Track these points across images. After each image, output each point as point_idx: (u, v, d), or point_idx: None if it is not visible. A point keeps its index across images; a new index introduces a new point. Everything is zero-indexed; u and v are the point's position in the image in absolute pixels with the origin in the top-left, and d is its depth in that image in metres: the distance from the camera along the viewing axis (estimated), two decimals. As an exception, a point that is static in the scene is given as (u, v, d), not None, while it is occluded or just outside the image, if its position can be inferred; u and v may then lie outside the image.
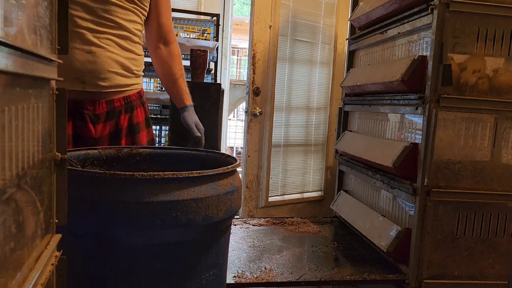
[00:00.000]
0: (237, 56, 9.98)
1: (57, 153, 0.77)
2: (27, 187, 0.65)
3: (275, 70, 2.96)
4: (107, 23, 1.37)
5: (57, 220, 0.79)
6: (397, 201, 1.90)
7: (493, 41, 1.62)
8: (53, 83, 0.77)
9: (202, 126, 1.54)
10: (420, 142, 1.68)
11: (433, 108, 1.61)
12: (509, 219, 1.68)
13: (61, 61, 0.79)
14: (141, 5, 1.46)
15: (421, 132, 1.67)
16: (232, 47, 5.29)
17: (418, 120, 1.75)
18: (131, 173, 0.90)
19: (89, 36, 1.34)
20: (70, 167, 0.88)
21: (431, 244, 1.65)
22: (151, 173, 0.91)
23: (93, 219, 0.90)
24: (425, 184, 1.63)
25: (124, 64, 1.43)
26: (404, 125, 1.89)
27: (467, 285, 1.68)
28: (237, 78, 9.57)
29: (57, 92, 0.77)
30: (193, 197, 0.93)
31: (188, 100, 1.57)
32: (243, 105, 6.72)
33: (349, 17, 2.62)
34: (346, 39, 2.66)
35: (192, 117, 1.55)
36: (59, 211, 0.78)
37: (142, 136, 1.55)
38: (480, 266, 1.68)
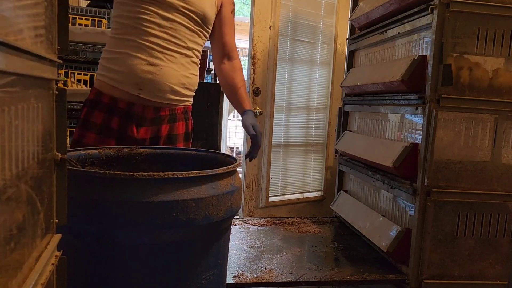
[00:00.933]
0: (237, 56, 9.98)
1: (57, 153, 0.77)
2: (27, 187, 0.65)
3: (275, 70, 2.96)
4: (175, 41, 1.49)
5: (57, 220, 0.79)
6: (397, 201, 1.90)
7: (493, 41, 1.62)
8: (53, 83, 0.77)
9: (259, 128, 1.64)
10: (420, 142, 1.68)
11: (433, 108, 1.61)
12: (509, 219, 1.68)
13: (61, 62, 0.78)
14: (206, 28, 1.58)
15: (421, 132, 1.67)
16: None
17: (418, 120, 1.75)
18: (131, 173, 0.90)
19: (156, 51, 1.46)
20: (70, 167, 0.88)
21: (431, 244, 1.65)
22: (151, 173, 0.91)
23: (93, 219, 0.89)
24: (425, 184, 1.63)
25: (181, 81, 1.53)
26: (404, 125, 1.89)
27: (467, 285, 1.68)
28: (237, 78, 9.55)
29: (57, 92, 0.77)
30: (193, 197, 0.93)
31: (248, 106, 1.69)
32: (243, 105, 6.70)
33: (349, 17, 2.62)
34: (346, 39, 2.66)
35: (249, 120, 1.64)
36: (59, 211, 0.78)
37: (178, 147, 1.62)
38: (480, 266, 1.68)
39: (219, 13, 1.63)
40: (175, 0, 1.46)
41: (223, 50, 1.68)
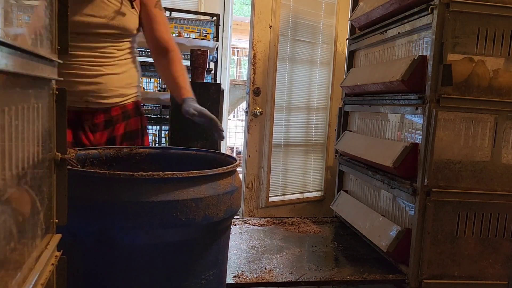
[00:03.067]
0: (237, 56, 9.98)
1: (57, 153, 0.77)
2: (27, 187, 0.65)
3: (276, 70, 2.96)
4: (107, 55, 1.52)
5: (57, 220, 0.79)
6: (397, 201, 1.90)
7: (493, 41, 1.62)
8: (53, 83, 0.77)
9: (205, 110, 1.49)
10: (420, 142, 1.68)
11: (433, 108, 1.61)
12: (509, 219, 1.68)
13: (61, 61, 0.79)
14: (131, 33, 1.58)
15: (421, 132, 1.67)
16: (232, 47, 5.28)
17: (418, 120, 1.75)
18: (131, 173, 0.90)
19: (89, 67, 1.50)
20: (69, 167, 0.88)
21: (431, 244, 1.65)
22: (151, 173, 0.91)
23: (92, 219, 0.90)
24: (425, 184, 1.63)
25: (122, 83, 1.58)
26: (404, 125, 1.89)
27: (467, 285, 1.68)
28: (237, 78, 9.57)
29: (57, 92, 0.77)
30: (192, 197, 0.93)
31: (187, 93, 1.55)
32: (243, 105, 6.72)
33: (349, 17, 2.62)
34: (346, 39, 2.66)
35: (191, 106, 1.49)
36: (59, 211, 0.78)
37: (137, 144, 1.64)
38: (480, 266, 1.68)
39: (142, 11, 1.60)
40: (92, 29, 1.48)
41: (157, 45, 1.63)
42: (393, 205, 1.94)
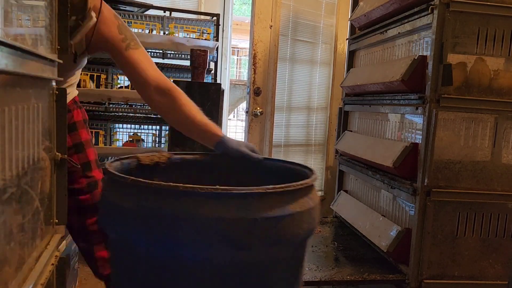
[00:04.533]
0: (237, 56, 9.97)
1: (57, 153, 0.77)
2: (27, 187, 0.65)
3: (276, 70, 2.96)
4: None
5: (57, 220, 0.79)
6: (397, 201, 1.90)
7: (493, 41, 1.62)
8: (53, 83, 0.77)
9: (251, 145, 1.29)
10: (420, 142, 1.68)
11: (433, 108, 1.60)
12: (509, 219, 1.68)
13: (61, 61, 0.79)
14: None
15: (421, 132, 1.67)
16: (232, 47, 5.28)
17: (418, 120, 1.75)
18: (213, 186, 0.81)
19: None
20: (140, 179, 0.83)
21: (431, 244, 1.65)
22: (236, 187, 0.82)
23: (164, 234, 0.82)
24: (425, 184, 1.62)
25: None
26: (404, 125, 1.89)
27: (467, 285, 1.67)
28: (237, 78, 9.56)
29: (57, 92, 0.77)
30: (285, 213, 0.85)
31: (221, 131, 1.30)
32: (243, 105, 6.72)
33: (349, 17, 2.62)
34: (346, 39, 2.66)
35: (235, 144, 1.27)
36: (59, 211, 0.78)
37: (81, 133, 1.47)
38: (480, 266, 1.68)
39: (114, 58, 1.36)
40: None
41: (153, 88, 1.33)
42: (393, 205, 1.94)
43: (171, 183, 0.83)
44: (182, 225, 0.81)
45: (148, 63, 1.35)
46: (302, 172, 1.09)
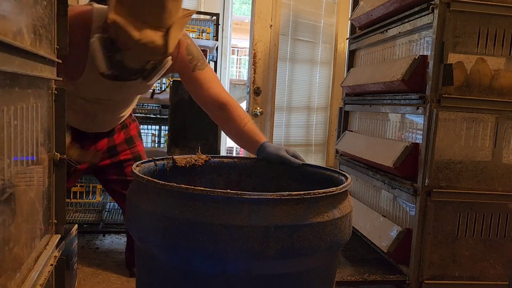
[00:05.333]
0: (237, 55, 9.97)
1: (56, 153, 0.77)
2: (26, 187, 0.64)
3: (276, 70, 2.95)
4: (114, 111, 1.72)
5: (56, 221, 0.78)
6: (397, 201, 1.90)
7: (494, 41, 1.62)
8: (52, 83, 0.77)
9: (292, 151, 1.35)
10: (420, 142, 1.67)
11: (434, 108, 1.60)
12: (510, 220, 1.67)
13: (60, 61, 0.78)
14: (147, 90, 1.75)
15: (421, 132, 1.67)
16: (232, 47, 5.28)
17: (418, 120, 1.75)
18: (261, 193, 0.79)
19: (98, 117, 1.70)
20: (184, 186, 0.81)
21: (432, 244, 1.64)
22: (284, 193, 0.80)
23: (205, 242, 0.79)
24: (425, 184, 1.62)
25: (121, 118, 1.82)
26: (405, 125, 1.89)
27: (467, 286, 1.67)
28: (237, 78, 9.56)
29: (56, 92, 0.77)
30: (309, 222, 0.82)
31: (263, 137, 1.41)
32: (243, 105, 6.70)
33: (350, 16, 2.62)
34: (347, 38, 2.66)
35: (277, 150, 1.34)
36: (58, 212, 0.78)
37: (138, 146, 1.89)
38: (481, 266, 1.67)
39: (183, 79, 1.51)
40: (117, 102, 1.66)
41: (211, 103, 1.48)
42: (393, 205, 1.94)
43: (182, 185, 0.81)
44: (191, 230, 0.79)
45: (212, 82, 1.48)
46: (339, 180, 1.04)
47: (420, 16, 1.72)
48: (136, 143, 1.90)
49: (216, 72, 3.79)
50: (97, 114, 1.68)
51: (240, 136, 1.42)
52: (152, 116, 3.04)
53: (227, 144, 6.56)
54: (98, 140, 1.81)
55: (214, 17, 3.58)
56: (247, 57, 3.13)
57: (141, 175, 0.88)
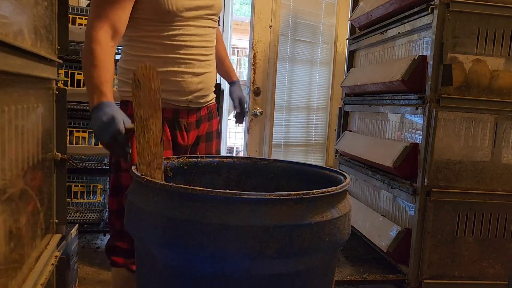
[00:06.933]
0: (237, 56, 9.96)
1: (57, 153, 0.77)
2: (27, 187, 0.65)
3: (276, 70, 2.95)
4: (210, 45, 1.48)
5: (56, 220, 0.79)
6: (397, 201, 1.90)
7: (493, 41, 1.62)
8: (53, 83, 0.77)
9: (244, 99, 1.76)
10: (420, 142, 1.68)
11: (433, 108, 1.60)
12: (509, 219, 1.68)
13: (61, 61, 0.78)
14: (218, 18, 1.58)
15: (421, 132, 1.67)
16: (232, 47, 5.27)
17: (418, 120, 1.75)
18: (264, 193, 0.79)
19: (199, 61, 1.44)
20: (182, 186, 0.80)
21: (431, 244, 1.64)
22: (289, 192, 0.80)
23: (205, 244, 0.79)
24: (425, 184, 1.62)
25: (213, 82, 1.55)
26: (404, 125, 1.89)
27: (467, 285, 1.67)
28: (237, 78, 9.52)
29: (57, 92, 0.77)
30: (307, 222, 0.82)
31: (235, 76, 1.78)
32: (243, 105, 6.68)
33: (349, 17, 2.62)
34: (346, 39, 2.66)
35: (237, 92, 1.75)
36: (59, 211, 0.78)
37: (214, 144, 1.61)
38: (480, 266, 1.68)
39: None
40: (202, 10, 1.41)
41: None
42: (393, 205, 1.94)
43: (181, 185, 0.81)
44: (190, 230, 0.79)
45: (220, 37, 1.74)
46: (338, 179, 1.04)
47: (420, 17, 1.72)
48: (213, 141, 1.64)
49: (216, 72, 3.79)
50: (204, 44, 1.45)
51: (219, 64, 1.65)
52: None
53: (227, 144, 6.56)
54: (188, 128, 1.49)
55: (214, 18, 3.57)
56: (247, 58, 3.14)
57: (142, 176, 0.88)
